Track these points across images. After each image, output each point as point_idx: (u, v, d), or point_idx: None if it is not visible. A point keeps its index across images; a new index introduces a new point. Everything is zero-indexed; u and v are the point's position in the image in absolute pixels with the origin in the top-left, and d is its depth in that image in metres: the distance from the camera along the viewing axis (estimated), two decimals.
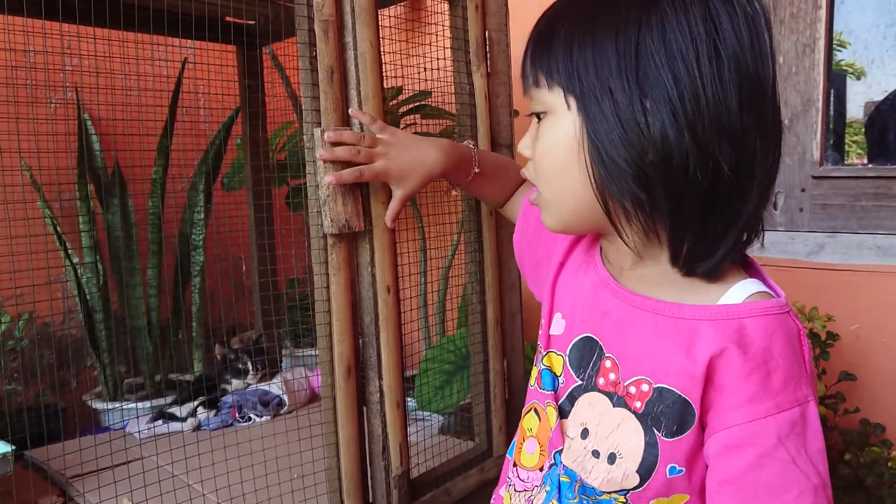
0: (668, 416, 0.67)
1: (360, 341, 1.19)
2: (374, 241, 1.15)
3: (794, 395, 0.63)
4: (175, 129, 2.10)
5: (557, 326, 0.81)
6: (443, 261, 2.01)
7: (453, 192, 1.16)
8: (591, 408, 0.74)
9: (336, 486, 1.17)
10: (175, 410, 1.89)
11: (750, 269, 0.72)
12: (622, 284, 0.74)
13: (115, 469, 1.54)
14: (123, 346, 2.11)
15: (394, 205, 1.12)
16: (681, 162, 0.62)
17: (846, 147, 1.67)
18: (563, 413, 0.77)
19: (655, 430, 0.68)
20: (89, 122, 2.13)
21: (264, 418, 1.92)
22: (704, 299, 0.68)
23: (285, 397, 2.00)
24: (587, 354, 0.75)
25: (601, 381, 0.73)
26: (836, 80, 1.63)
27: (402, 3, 2.03)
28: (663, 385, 0.67)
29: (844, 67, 1.64)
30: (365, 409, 1.21)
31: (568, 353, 0.78)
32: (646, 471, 0.69)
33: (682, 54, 0.61)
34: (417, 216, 2.00)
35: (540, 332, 0.84)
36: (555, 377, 0.79)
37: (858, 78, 1.63)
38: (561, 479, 0.76)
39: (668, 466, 0.68)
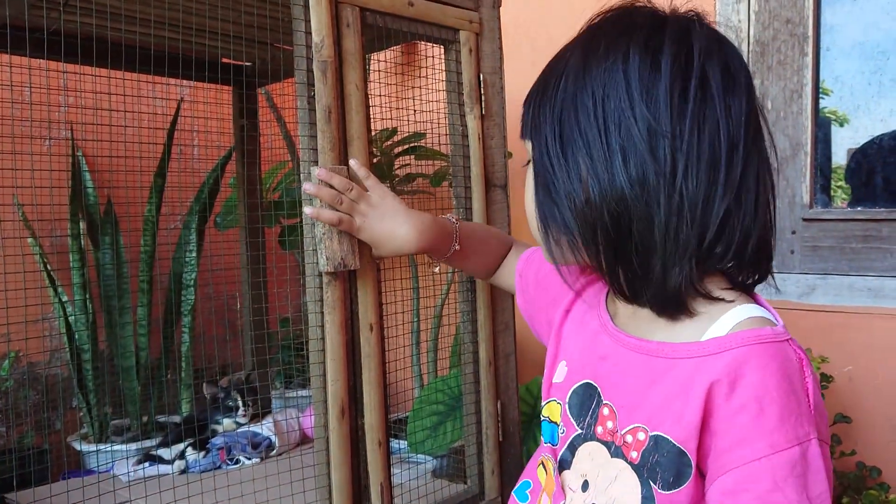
0: (665, 466, 0.65)
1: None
2: (356, 279, 1.15)
3: (794, 433, 0.59)
4: (169, 168, 2.11)
5: (560, 374, 0.80)
6: (435, 300, 2.00)
7: (435, 269, 1.14)
8: (590, 458, 0.72)
9: None
10: (162, 452, 1.86)
11: (744, 296, 0.70)
12: (618, 326, 0.73)
13: None
14: (110, 387, 2.08)
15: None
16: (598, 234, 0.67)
17: (832, 192, 1.69)
18: (564, 465, 0.75)
19: (652, 483, 0.66)
20: (83, 160, 2.13)
21: (254, 460, 1.89)
22: (694, 333, 0.67)
23: (275, 439, 1.97)
24: (587, 402, 0.74)
25: (599, 429, 0.71)
26: (822, 126, 1.66)
27: (394, 48, 2.06)
28: (659, 433, 0.65)
29: (828, 115, 1.67)
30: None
31: (567, 400, 0.76)
32: None
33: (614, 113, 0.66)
34: (410, 255, 2.00)
35: (543, 380, 0.84)
36: (554, 427, 0.78)
37: (842, 125, 1.66)
38: None
39: None
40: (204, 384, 2.05)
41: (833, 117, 1.67)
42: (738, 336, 0.63)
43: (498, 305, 1.42)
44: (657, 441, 0.65)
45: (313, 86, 1.11)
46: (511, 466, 1.46)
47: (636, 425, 0.67)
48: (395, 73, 2.36)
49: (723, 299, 0.67)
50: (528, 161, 0.75)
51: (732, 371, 0.61)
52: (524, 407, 1.69)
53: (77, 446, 2.01)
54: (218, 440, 1.91)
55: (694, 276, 0.66)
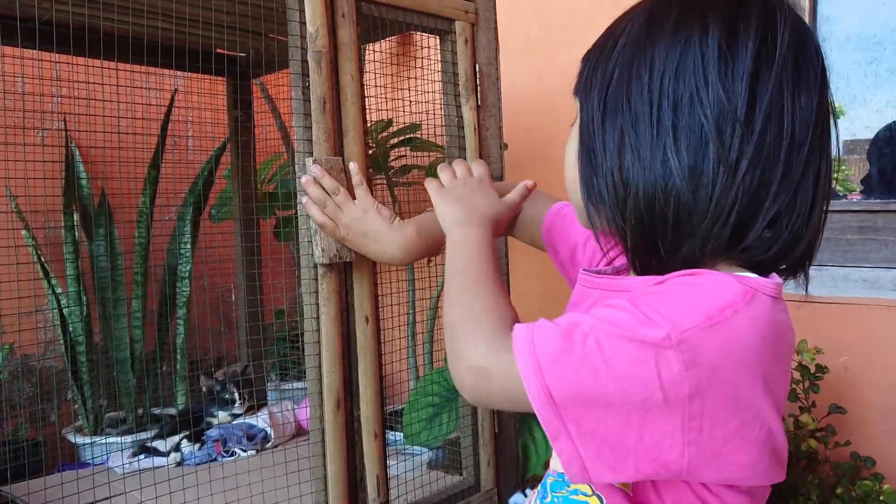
0: None
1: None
2: (351, 271, 1.15)
3: (656, 329, 0.55)
4: (163, 159, 2.10)
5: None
6: (431, 291, 2.00)
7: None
8: None
9: None
10: (158, 444, 1.86)
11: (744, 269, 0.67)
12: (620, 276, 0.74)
13: None
14: (105, 379, 2.07)
15: None
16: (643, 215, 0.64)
17: None
18: None
19: None
20: (77, 151, 2.12)
21: (249, 452, 1.89)
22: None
23: (271, 431, 1.97)
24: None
25: None
26: None
27: (390, 38, 2.05)
28: None
29: None
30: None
31: None
32: None
33: (687, 86, 0.62)
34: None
35: None
36: None
37: (837, 117, 1.66)
38: (550, 479, 0.76)
39: None
40: (201, 377, 2.05)
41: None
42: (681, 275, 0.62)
43: None
44: None
45: (308, 76, 1.10)
46: (506, 458, 1.47)
47: None
48: (391, 64, 2.35)
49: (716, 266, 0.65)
50: (576, 119, 0.72)
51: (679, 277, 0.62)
52: None
53: (72, 439, 2.01)
54: (213, 432, 1.91)
55: (713, 263, 0.64)
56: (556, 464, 0.77)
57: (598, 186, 0.65)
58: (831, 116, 0.66)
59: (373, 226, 1.04)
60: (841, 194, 1.65)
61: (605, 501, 0.68)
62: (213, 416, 1.98)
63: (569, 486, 0.73)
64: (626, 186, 0.63)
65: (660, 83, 0.61)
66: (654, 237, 0.64)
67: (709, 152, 0.60)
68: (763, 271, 0.66)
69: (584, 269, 0.76)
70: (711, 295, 0.58)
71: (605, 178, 0.64)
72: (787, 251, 0.64)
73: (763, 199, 0.61)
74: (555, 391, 0.56)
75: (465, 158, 1.36)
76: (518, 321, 0.69)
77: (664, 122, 0.61)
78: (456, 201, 0.89)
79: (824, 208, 0.66)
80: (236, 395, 1.98)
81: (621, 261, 0.82)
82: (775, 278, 0.66)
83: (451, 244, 0.83)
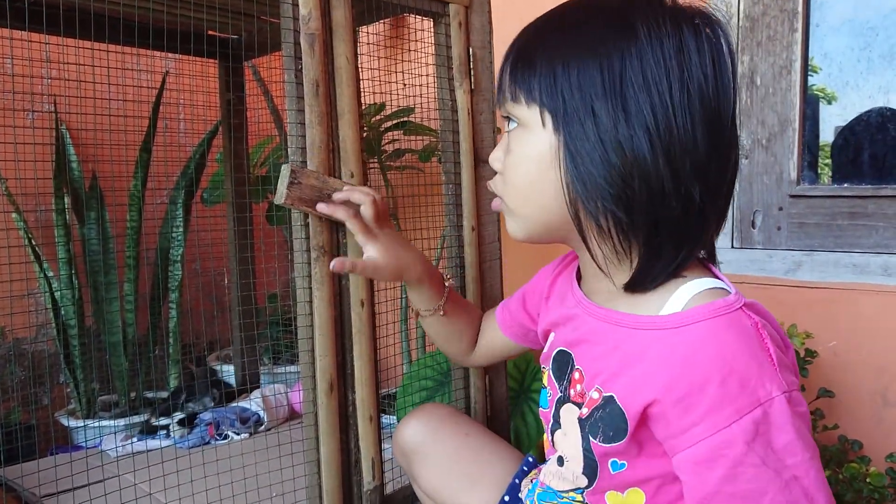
0: (607, 423, 0.70)
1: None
2: (347, 254, 1.15)
3: (755, 397, 0.62)
4: (155, 142, 2.09)
5: (547, 344, 0.87)
6: None
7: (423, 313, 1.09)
8: (567, 417, 0.77)
9: None
10: (164, 422, 1.87)
11: (700, 267, 0.73)
12: (590, 299, 0.77)
13: (90, 487, 1.51)
14: (98, 362, 2.07)
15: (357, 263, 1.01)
16: (658, 186, 0.64)
17: (819, 169, 1.69)
18: (556, 424, 0.80)
19: (591, 437, 0.71)
20: (67, 134, 2.10)
21: (242, 436, 1.90)
22: (653, 307, 0.69)
23: (264, 414, 1.98)
24: (563, 366, 0.79)
25: (572, 392, 0.76)
26: (810, 103, 1.66)
27: (384, 20, 2.04)
28: (611, 394, 0.70)
29: (816, 92, 1.67)
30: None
31: (550, 365, 0.82)
32: (591, 471, 0.73)
33: (657, 84, 0.64)
34: (399, 230, 1.99)
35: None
36: (545, 391, 0.84)
37: (830, 102, 1.66)
38: (538, 490, 0.84)
39: (610, 462, 0.71)
40: (194, 369, 2.06)
41: (822, 94, 1.67)
42: (694, 312, 0.66)
43: (487, 282, 1.42)
44: (607, 400, 0.70)
45: (301, 59, 1.09)
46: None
47: (597, 387, 0.72)
48: (384, 47, 2.34)
49: (682, 276, 0.70)
50: (509, 132, 0.74)
51: (691, 346, 0.64)
52: (512, 382, 1.70)
53: (65, 422, 2.01)
54: (206, 415, 1.91)
55: (690, 258, 0.69)
56: (545, 477, 0.83)
57: (598, 181, 0.66)
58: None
59: (394, 237, 1.05)
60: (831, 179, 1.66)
61: None
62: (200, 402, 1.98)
63: (560, 498, 0.79)
64: (629, 175, 0.65)
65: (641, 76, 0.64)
66: (646, 227, 0.67)
67: (700, 135, 0.65)
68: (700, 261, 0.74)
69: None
70: (753, 360, 0.63)
71: (604, 170, 0.65)
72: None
73: (732, 184, 0.70)
74: None
75: (458, 142, 1.36)
76: None
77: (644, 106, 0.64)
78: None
79: (732, 180, 0.71)
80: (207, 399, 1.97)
81: (561, 279, 0.89)
82: (723, 278, 0.72)
83: None
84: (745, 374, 0.62)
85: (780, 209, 1.63)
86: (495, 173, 0.79)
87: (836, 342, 1.55)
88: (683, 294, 0.68)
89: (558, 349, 0.81)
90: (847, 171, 1.65)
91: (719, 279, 0.71)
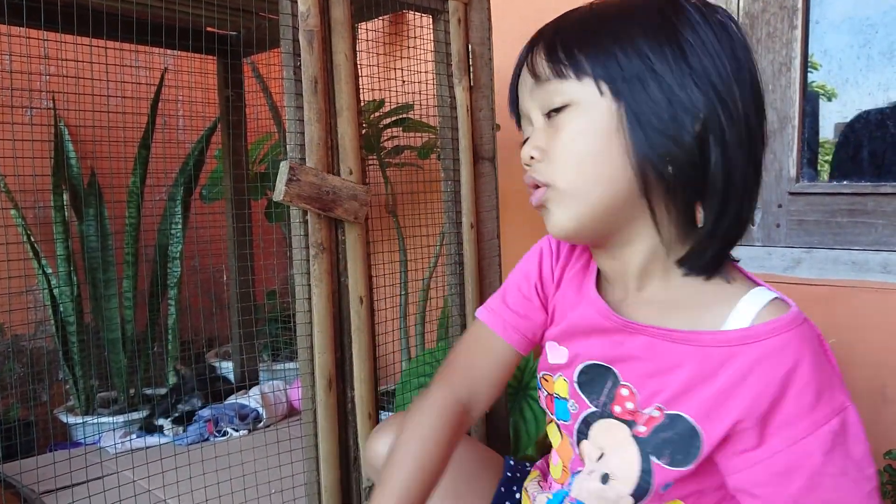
0: (676, 444, 0.67)
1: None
2: (346, 252, 1.14)
3: (831, 407, 0.62)
4: (154, 139, 2.08)
5: (559, 355, 0.81)
6: (423, 273, 2.00)
7: None
8: (608, 433, 0.74)
9: (316, 501, 1.16)
10: (162, 423, 1.87)
11: (736, 270, 0.72)
12: (627, 317, 0.73)
13: (88, 484, 1.51)
14: (97, 359, 2.07)
15: None
16: (730, 144, 0.65)
17: (819, 166, 1.69)
18: (582, 436, 0.77)
19: (655, 458, 0.68)
20: (66, 130, 2.10)
21: (241, 433, 1.90)
22: (714, 321, 0.68)
23: (263, 411, 1.98)
24: (598, 380, 0.75)
25: (617, 409, 0.73)
26: (810, 100, 1.66)
27: (383, 17, 2.03)
28: (677, 412, 0.67)
29: (816, 88, 1.67)
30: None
31: (576, 378, 0.78)
32: (641, 493, 0.70)
33: (713, 45, 0.65)
34: (398, 228, 1.99)
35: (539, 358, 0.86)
36: (564, 402, 0.80)
37: (830, 99, 1.66)
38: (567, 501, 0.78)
39: (663, 485, 0.69)
40: (183, 370, 2.06)
41: (821, 91, 1.67)
42: (766, 326, 0.64)
43: (486, 279, 1.42)
44: (673, 419, 0.67)
45: (299, 56, 1.09)
46: (497, 438, 1.48)
47: (658, 405, 0.69)
48: (383, 44, 2.33)
49: (729, 281, 0.70)
50: (560, 108, 0.69)
51: (771, 362, 0.63)
52: (510, 380, 1.70)
53: (63, 418, 2.01)
54: (205, 412, 1.91)
55: (740, 236, 0.69)
56: (578, 492, 0.78)
57: (668, 143, 0.65)
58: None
59: None
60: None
61: None
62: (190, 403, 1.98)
63: None
64: (700, 135, 0.65)
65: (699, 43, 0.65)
66: (714, 191, 0.66)
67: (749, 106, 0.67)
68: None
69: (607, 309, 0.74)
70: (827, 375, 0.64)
71: (674, 131, 0.65)
72: None
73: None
74: None
75: (457, 139, 1.36)
76: None
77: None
78: None
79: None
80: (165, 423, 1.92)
81: (574, 293, 0.81)
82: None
83: None
84: (820, 386, 0.62)
85: (780, 206, 1.63)
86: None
87: (835, 339, 1.55)
88: (747, 308, 0.67)
89: (589, 363, 0.76)
90: (847, 168, 1.65)
91: (770, 289, 0.70)
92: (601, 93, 0.66)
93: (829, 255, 1.54)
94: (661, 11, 0.67)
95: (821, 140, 1.67)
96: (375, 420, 1.21)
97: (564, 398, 0.79)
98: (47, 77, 2.11)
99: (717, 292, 0.69)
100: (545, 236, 0.87)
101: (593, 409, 0.75)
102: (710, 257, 0.68)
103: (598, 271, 0.79)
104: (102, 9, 1.59)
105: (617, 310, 0.74)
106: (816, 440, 0.61)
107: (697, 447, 0.66)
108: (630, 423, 0.71)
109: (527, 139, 0.74)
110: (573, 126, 0.68)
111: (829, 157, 1.68)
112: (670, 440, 0.67)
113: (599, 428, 0.75)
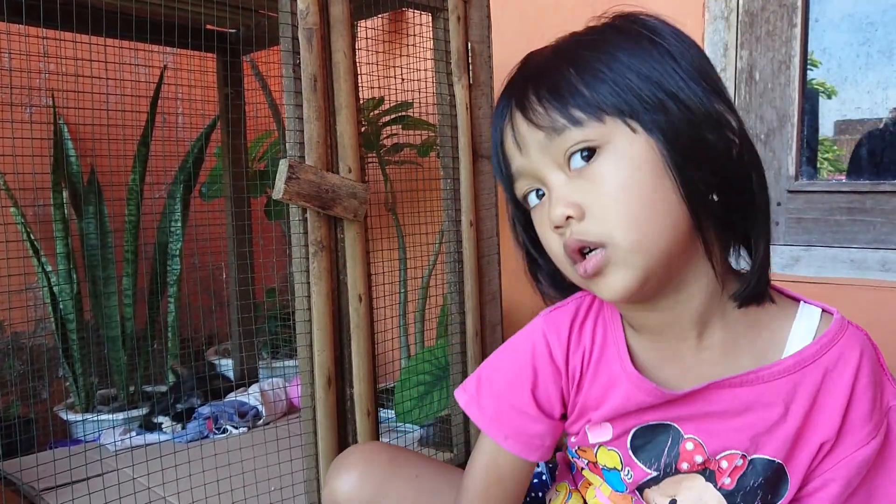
0: (764, 486, 0.66)
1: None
2: (345, 249, 1.15)
3: (881, 413, 0.64)
4: (153, 137, 2.08)
5: (601, 434, 0.72)
6: (422, 270, 2.00)
7: None
8: (678, 483, 0.69)
9: (315, 499, 1.16)
10: (161, 420, 1.88)
11: (777, 291, 0.70)
12: (684, 384, 0.66)
13: (88, 481, 1.51)
14: (96, 357, 2.08)
15: None
16: (754, 154, 0.63)
17: (818, 164, 1.69)
18: (644, 486, 0.71)
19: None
20: (65, 128, 2.10)
21: (241, 430, 1.90)
22: (778, 346, 0.66)
23: (262, 408, 1.98)
24: (656, 441, 0.68)
25: (684, 465, 0.68)
26: (809, 98, 1.66)
27: (382, 15, 2.03)
28: (758, 456, 0.66)
29: (816, 86, 1.67)
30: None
31: (629, 445, 0.70)
32: None
33: (691, 50, 0.63)
34: (397, 225, 1.99)
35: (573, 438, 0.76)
36: (616, 473, 0.72)
37: (830, 97, 1.66)
38: None
39: None
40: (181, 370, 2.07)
41: (821, 89, 1.67)
42: (819, 343, 0.64)
43: (485, 277, 1.43)
44: (754, 463, 0.66)
45: (298, 54, 1.09)
46: None
47: (732, 451, 0.66)
48: (383, 42, 2.33)
49: (776, 301, 0.68)
50: (588, 155, 0.60)
51: (832, 376, 0.64)
52: None
53: (64, 416, 2.02)
54: (205, 409, 1.91)
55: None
56: None
57: (709, 166, 0.60)
58: None
59: None
60: (830, 175, 1.66)
61: None
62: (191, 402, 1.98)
63: None
64: (728, 147, 0.62)
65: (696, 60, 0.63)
66: (750, 215, 0.64)
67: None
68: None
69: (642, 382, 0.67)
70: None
71: (707, 151, 0.60)
72: None
73: None
74: None
75: (457, 137, 1.36)
76: None
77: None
78: None
79: None
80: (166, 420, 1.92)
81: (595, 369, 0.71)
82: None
83: None
84: (874, 391, 0.64)
85: (779, 204, 1.63)
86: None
87: None
88: (803, 328, 0.66)
89: (641, 426, 0.68)
90: (852, 165, 1.65)
91: (806, 301, 0.69)
92: (633, 130, 0.59)
93: (827, 252, 1.54)
94: (624, 30, 0.63)
95: (820, 138, 1.67)
96: (375, 417, 1.21)
97: (615, 468, 0.71)
98: (46, 75, 2.11)
99: (770, 318, 0.67)
100: (534, 322, 0.75)
101: (654, 473, 0.69)
102: (762, 283, 0.66)
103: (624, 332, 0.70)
104: (102, 6, 1.59)
105: (667, 380, 0.67)
106: (873, 447, 0.64)
107: (786, 483, 0.66)
108: (703, 472, 0.67)
109: (527, 201, 0.67)
110: (618, 173, 0.59)
111: (827, 155, 1.68)
112: (760, 485, 0.66)
113: (669, 482, 0.69)
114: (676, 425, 0.67)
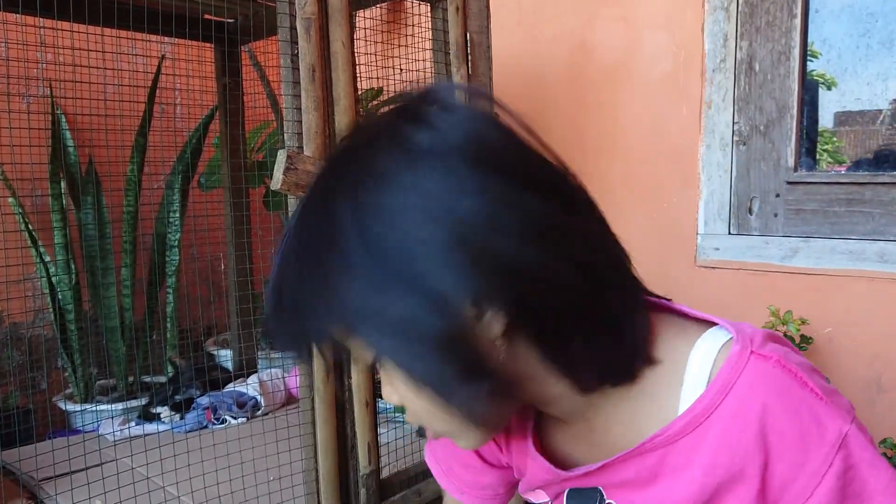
0: None
1: None
2: None
3: (825, 447, 0.53)
4: (151, 127, 2.08)
5: (539, 496, 0.71)
6: None
7: None
8: None
9: (314, 488, 1.17)
10: (159, 410, 1.88)
11: (662, 313, 0.61)
12: (586, 458, 0.64)
13: (87, 471, 1.51)
14: (95, 347, 2.08)
15: None
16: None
17: (817, 155, 1.69)
18: None
19: None
20: (63, 118, 2.10)
21: (240, 420, 1.90)
22: (671, 405, 0.58)
23: (261, 399, 1.99)
24: (588, 500, 0.66)
25: None
26: (809, 89, 1.66)
27: (381, 5, 2.03)
28: None
29: (816, 77, 1.67)
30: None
31: (565, 502, 0.68)
32: None
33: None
34: None
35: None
36: None
37: (829, 88, 1.66)
38: None
39: None
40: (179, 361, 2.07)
41: (821, 80, 1.67)
42: (715, 390, 0.55)
43: None
44: None
45: (297, 44, 1.09)
46: None
47: None
48: (381, 32, 2.32)
49: (662, 360, 0.58)
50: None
51: (731, 434, 0.54)
52: None
53: (63, 406, 2.02)
54: (204, 400, 1.92)
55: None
56: None
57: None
58: None
59: None
60: (829, 166, 1.66)
61: None
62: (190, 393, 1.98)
63: None
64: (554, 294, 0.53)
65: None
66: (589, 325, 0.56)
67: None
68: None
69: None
70: None
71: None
72: None
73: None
74: None
75: None
76: None
77: None
78: None
79: None
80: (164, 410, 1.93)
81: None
82: None
83: None
84: (802, 430, 0.53)
85: (778, 196, 1.63)
86: None
87: (832, 329, 1.56)
88: (696, 372, 0.57)
89: (572, 489, 0.66)
90: (846, 157, 1.65)
91: (703, 320, 0.60)
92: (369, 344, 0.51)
93: (826, 244, 1.54)
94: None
95: (820, 129, 1.67)
96: (373, 408, 1.21)
97: None
98: (44, 65, 2.11)
99: (659, 377, 0.58)
100: None
101: None
102: (621, 363, 0.57)
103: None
104: None
105: (578, 456, 0.64)
106: (825, 488, 0.52)
107: None
108: None
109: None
110: (401, 382, 0.54)
111: (827, 146, 1.68)
112: None
113: None
114: (602, 490, 0.64)
